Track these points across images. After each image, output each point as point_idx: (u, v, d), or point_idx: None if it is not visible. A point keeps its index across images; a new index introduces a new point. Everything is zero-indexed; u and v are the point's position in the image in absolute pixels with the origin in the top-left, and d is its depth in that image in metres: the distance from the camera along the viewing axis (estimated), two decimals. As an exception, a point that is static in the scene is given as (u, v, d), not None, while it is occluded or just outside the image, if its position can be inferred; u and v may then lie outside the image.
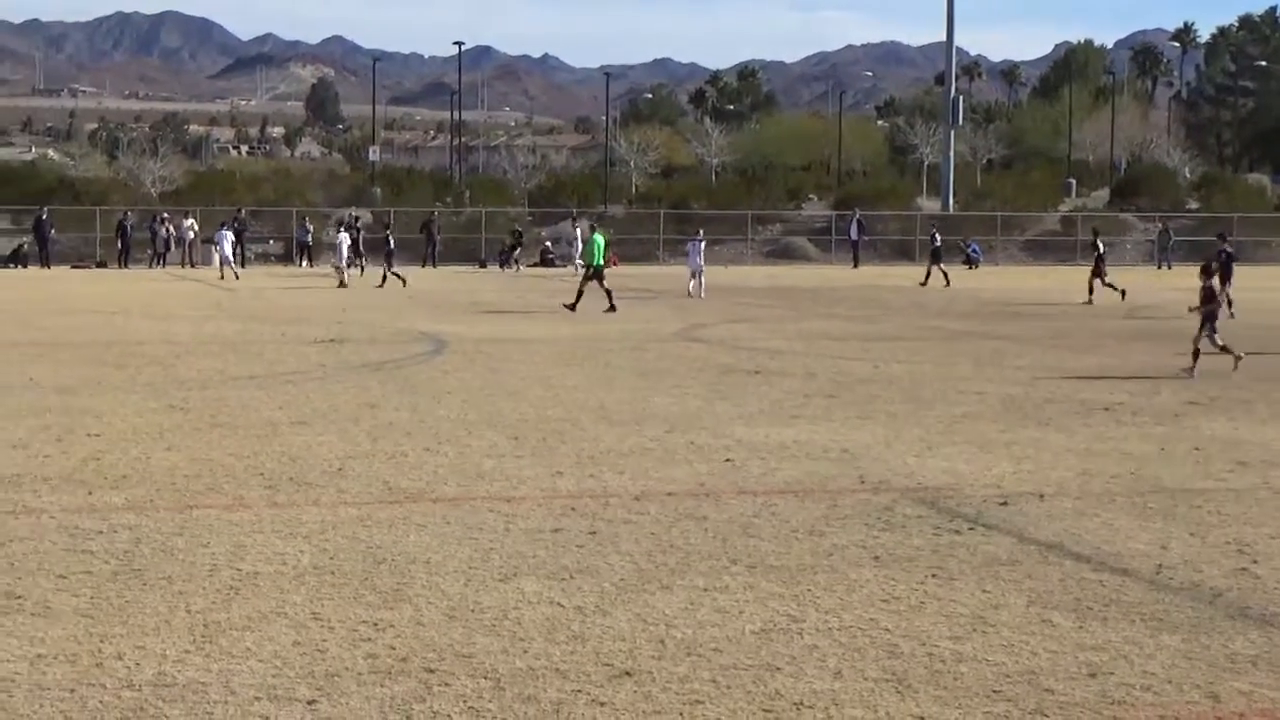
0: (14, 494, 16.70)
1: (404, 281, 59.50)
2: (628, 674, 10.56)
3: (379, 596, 12.50)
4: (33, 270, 72.12)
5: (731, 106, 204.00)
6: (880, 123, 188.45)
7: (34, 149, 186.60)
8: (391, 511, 15.93)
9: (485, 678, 10.41)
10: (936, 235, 67.98)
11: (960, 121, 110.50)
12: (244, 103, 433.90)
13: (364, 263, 66.39)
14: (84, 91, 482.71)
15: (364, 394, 25.67)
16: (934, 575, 13.36)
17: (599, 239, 48.07)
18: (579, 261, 62.34)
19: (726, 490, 17.38)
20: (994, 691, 10.16)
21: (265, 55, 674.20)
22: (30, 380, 27.16)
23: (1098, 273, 53.97)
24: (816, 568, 13.61)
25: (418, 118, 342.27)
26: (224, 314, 43.79)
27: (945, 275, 64.73)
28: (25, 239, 77.99)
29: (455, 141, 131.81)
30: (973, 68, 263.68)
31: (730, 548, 14.35)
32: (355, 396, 25.31)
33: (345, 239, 62.54)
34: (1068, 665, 10.78)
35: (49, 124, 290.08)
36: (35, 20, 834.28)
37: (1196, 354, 29.74)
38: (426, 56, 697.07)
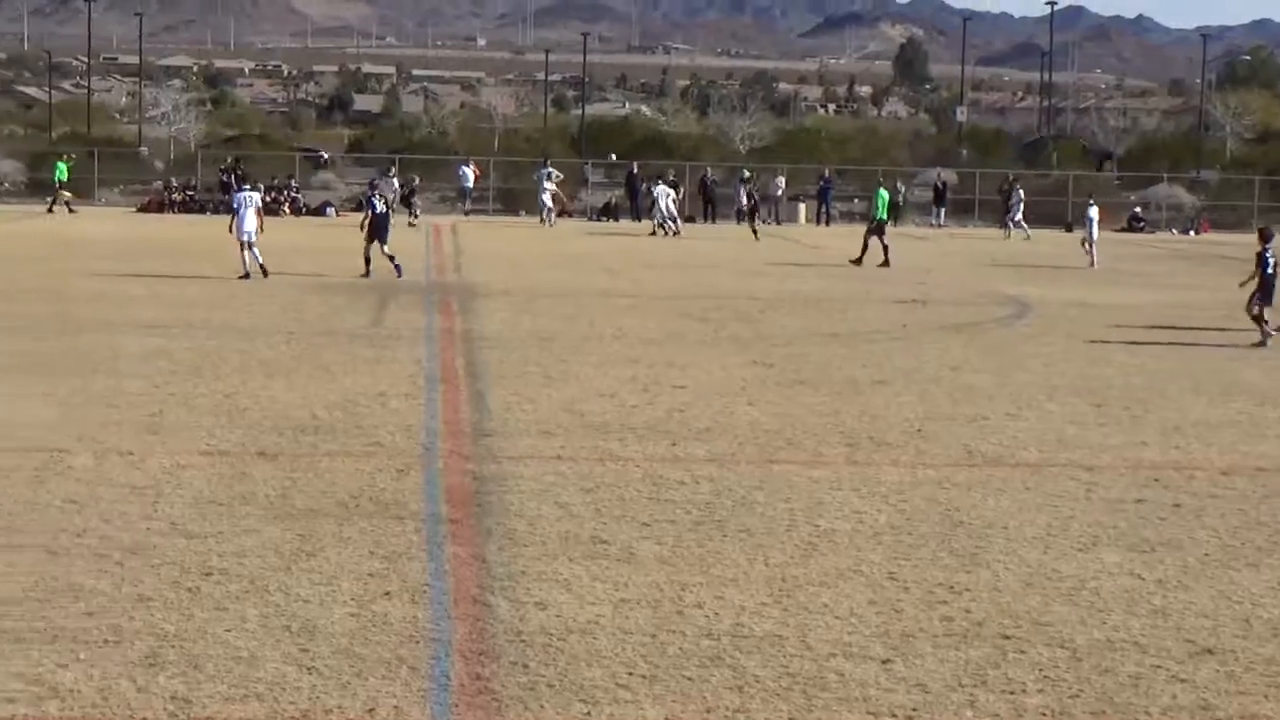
0: (602, 442, 17.23)
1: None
2: (1209, 651, 10.28)
3: (956, 560, 12.46)
4: (624, 224, 74.20)
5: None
6: None
7: (627, 105, 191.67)
8: (970, 475, 15.86)
9: (1061, 647, 10.28)
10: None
11: None
12: (833, 61, 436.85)
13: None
14: (677, 49, 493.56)
15: (946, 355, 25.60)
16: None
17: (884, 194, 47.61)
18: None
19: (1320, 468, 16.75)
20: None
21: (855, 14, 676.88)
22: (619, 331, 27.95)
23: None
24: None
25: (1006, 78, 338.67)
26: (808, 271, 44.24)
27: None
28: (616, 193, 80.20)
29: (1044, 103, 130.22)
30: None
31: (1323, 528, 13.83)
32: (937, 357, 25.25)
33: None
34: None
35: (643, 80, 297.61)
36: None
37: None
38: (1017, 17, 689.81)
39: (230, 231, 37.17)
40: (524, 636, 10.32)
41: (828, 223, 72.61)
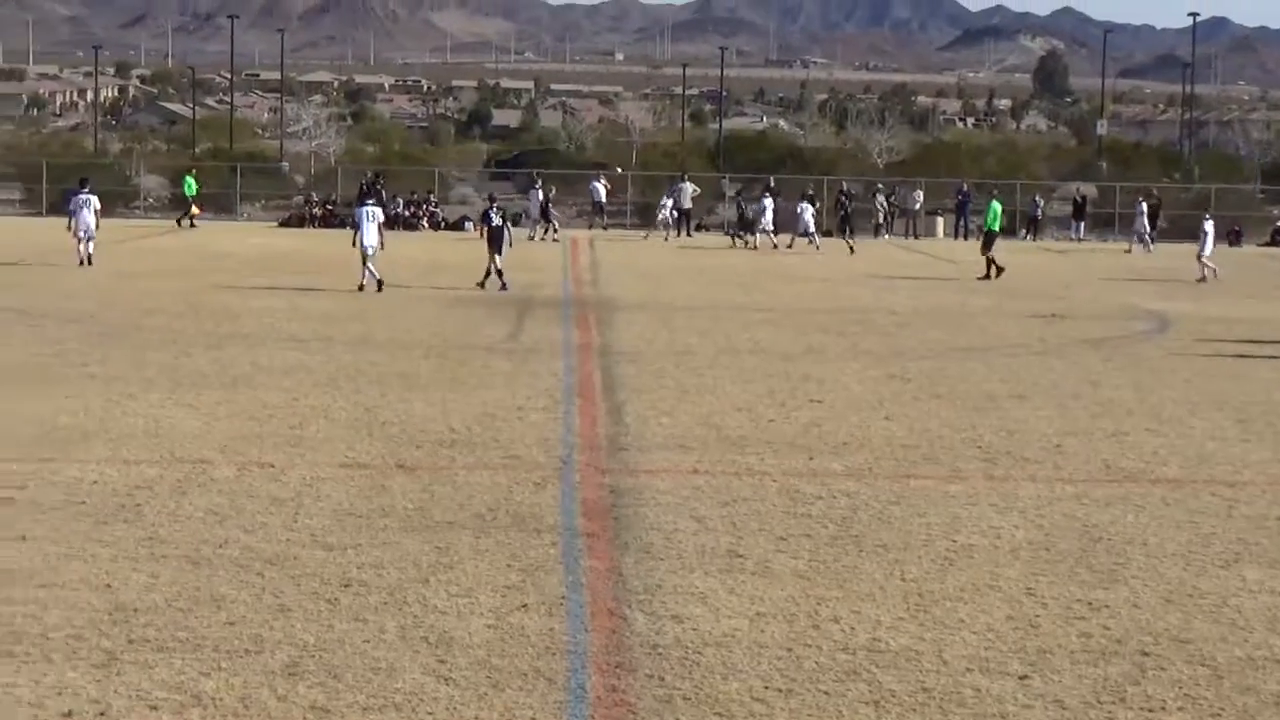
0: (739, 456, 17.25)
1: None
2: (1354, 672, 10.16)
3: (1094, 576, 12.38)
4: (760, 238, 74.14)
5: None
6: None
7: (765, 119, 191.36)
8: (1109, 491, 15.74)
9: (1202, 665, 10.19)
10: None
11: None
12: (971, 74, 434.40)
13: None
14: (815, 63, 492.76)
15: (1085, 370, 25.39)
16: None
17: (997, 206, 47.36)
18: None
19: None
20: None
21: (994, 27, 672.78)
22: (755, 345, 27.93)
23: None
24: None
25: (1147, 91, 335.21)
26: (945, 286, 44.00)
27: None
28: (753, 206, 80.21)
29: (1186, 116, 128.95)
30: None
31: None
32: (1075, 372, 25.06)
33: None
34: None
35: (780, 94, 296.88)
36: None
37: None
38: (1158, 28, 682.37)
39: (354, 245, 37.42)
40: (660, 649, 10.36)
41: (965, 236, 72.05)
